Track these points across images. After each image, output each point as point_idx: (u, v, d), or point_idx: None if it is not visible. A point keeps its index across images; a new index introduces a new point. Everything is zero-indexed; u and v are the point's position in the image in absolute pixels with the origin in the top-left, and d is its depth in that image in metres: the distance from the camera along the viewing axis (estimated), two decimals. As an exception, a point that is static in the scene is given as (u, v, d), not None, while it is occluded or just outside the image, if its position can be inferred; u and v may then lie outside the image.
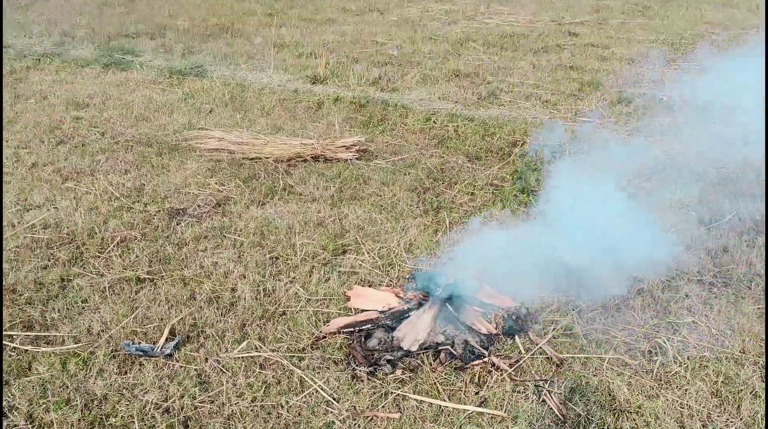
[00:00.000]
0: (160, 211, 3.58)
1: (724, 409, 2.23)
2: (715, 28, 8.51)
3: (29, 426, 2.15)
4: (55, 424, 2.15)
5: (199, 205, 3.66)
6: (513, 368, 2.42)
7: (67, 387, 2.31)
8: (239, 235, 3.34)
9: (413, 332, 2.59)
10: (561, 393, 2.30)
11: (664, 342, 2.54)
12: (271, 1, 10.18)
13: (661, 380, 2.36)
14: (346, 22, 8.94)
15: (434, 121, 4.93)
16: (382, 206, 3.67)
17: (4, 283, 2.90)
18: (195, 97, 5.44)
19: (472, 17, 9.29)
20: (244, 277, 2.98)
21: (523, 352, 2.51)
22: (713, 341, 2.55)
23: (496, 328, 2.62)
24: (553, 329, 2.61)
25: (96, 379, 2.36)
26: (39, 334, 2.61)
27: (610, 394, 2.30)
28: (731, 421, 2.19)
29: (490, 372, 2.41)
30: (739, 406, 2.24)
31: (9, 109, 5.04)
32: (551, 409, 2.23)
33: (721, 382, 2.33)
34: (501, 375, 2.39)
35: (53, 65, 6.22)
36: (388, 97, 5.56)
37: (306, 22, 8.86)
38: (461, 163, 4.25)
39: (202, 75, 6.10)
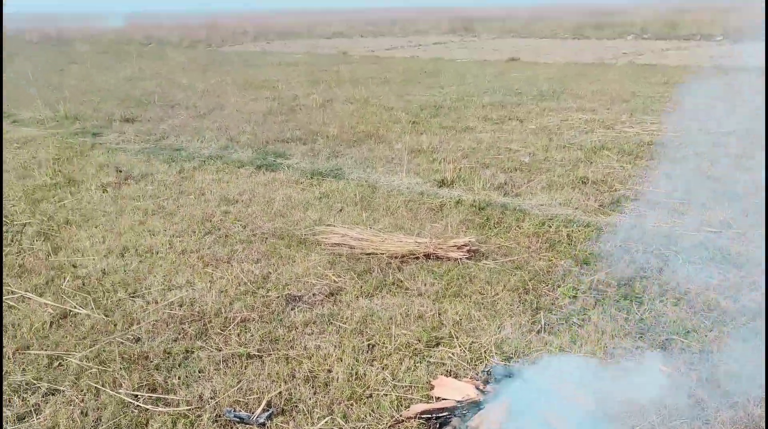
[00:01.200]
0: (279, 297, 3.97)
1: None
2: None
3: (136, 472, 2.49)
4: (155, 473, 2.47)
5: (314, 294, 4.02)
6: (579, 469, 2.44)
7: (172, 443, 2.65)
8: (344, 323, 3.63)
9: (486, 424, 2.68)
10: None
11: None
12: (417, 110, 10.88)
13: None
14: (485, 130, 9.34)
15: (549, 226, 5.05)
16: (482, 304, 3.82)
17: (137, 350, 3.36)
18: (329, 196, 5.97)
19: (611, 126, 9.35)
20: (341, 360, 3.24)
21: (593, 454, 2.51)
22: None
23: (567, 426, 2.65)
24: (628, 435, 2.59)
25: (197, 438, 2.68)
26: (160, 396, 3.01)
27: None
28: None
29: (555, 470, 2.44)
30: None
31: (173, 202, 5.83)
32: None
33: None
34: (566, 474, 2.41)
35: (215, 166, 7.09)
36: (509, 202, 5.76)
37: (446, 129, 9.37)
38: (568, 266, 4.31)
39: (340, 177, 6.67)
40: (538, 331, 3.49)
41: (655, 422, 2.68)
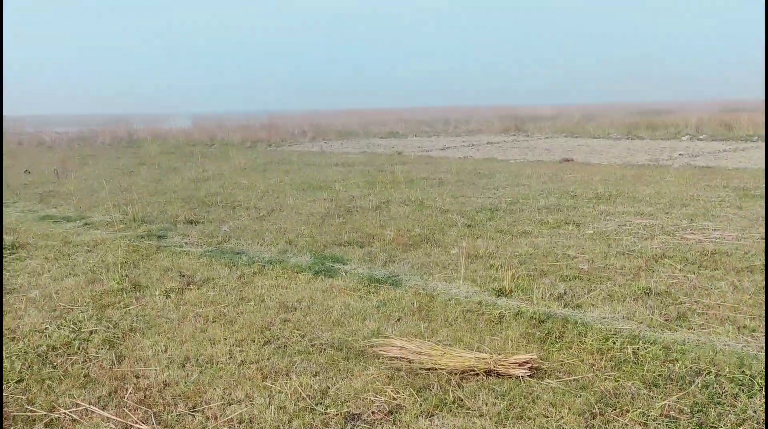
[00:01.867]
0: (338, 414, 3.92)
1: None
2: None
3: None
4: None
5: (373, 412, 3.96)
6: None
7: None
8: (404, 446, 3.55)
9: None
10: None
11: None
12: (472, 213, 10.95)
13: None
14: (541, 234, 9.30)
15: (613, 342, 4.91)
16: (546, 428, 3.69)
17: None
18: (387, 305, 5.97)
19: (671, 233, 9.19)
20: (401, 490, 3.14)
21: None
22: None
23: None
24: None
25: None
26: None
27: None
28: None
29: None
30: None
31: (232, 309, 5.92)
32: None
33: None
34: None
35: (274, 271, 7.21)
36: (569, 313, 5.65)
37: (502, 233, 9.37)
38: (636, 389, 4.15)
39: (397, 284, 6.68)
40: (608, 463, 3.33)
41: None
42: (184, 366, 4.67)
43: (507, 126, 40.58)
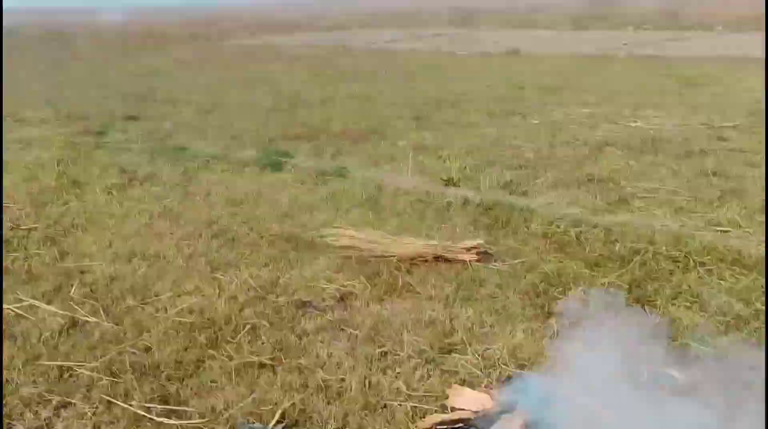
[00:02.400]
0: (288, 302, 3.95)
1: None
2: None
3: (152, 488, 2.48)
4: (172, 489, 2.46)
5: (323, 299, 4.01)
6: (598, 482, 2.42)
7: (188, 457, 2.64)
8: (355, 329, 3.61)
9: (503, 436, 2.67)
10: None
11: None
12: (419, 106, 10.84)
13: None
14: (488, 125, 9.31)
15: (557, 226, 5.03)
16: (494, 309, 3.81)
17: (148, 360, 3.35)
18: (336, 197, 5.94)
19: (615, 121, 9.31)
20: (354, 369, 3.22)
21: (611, 466, 2.50)
22: None
23: (588, 441, 2.64)
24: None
25: (212, 452, 2.67)
26: (172, 408, 2.99)
27: None
28: None
29: (574, 483, 2.43)
30: None
31: (178, 204, 5.80)
32: None
33: None
34: (585, 488, 2.40)
35: (219, 166, 7.06)
36: (516, 201, 5.73)
37: (449, 125, 9.34)
38: (579, 269, 4.29)
39: (345, 176, 6.64)
40: (551, 337, 3.47)
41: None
42: (130, 261, 4.60)
43: (454, 18, 39.75)
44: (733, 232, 4.92)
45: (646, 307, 3.74)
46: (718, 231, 4.93)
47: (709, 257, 4.37)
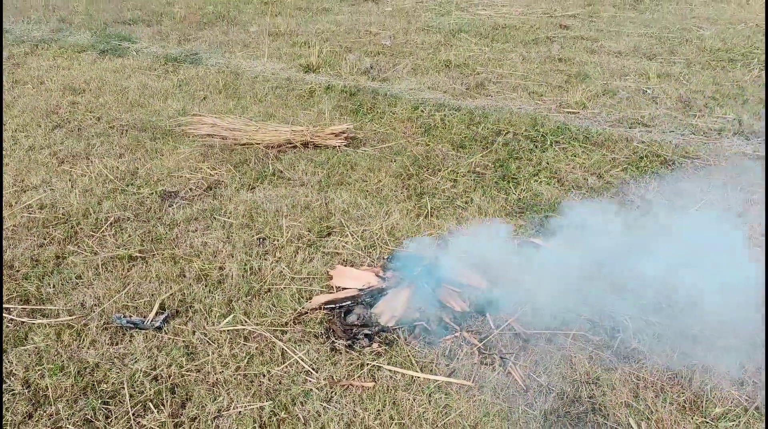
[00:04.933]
0: (152, 193, 3.71)
1: (677, 381, 2.38)
2: (702, 22, 8.62)
3: (26, 391, 2.30)
4: (49, 389, 2.29)
5: (190, 189, 3.80)
6: (482, 343, 2.57)
7: (62, 356, 2.46)
8: (228, 217, 3.48)
9: (390, 309, 2.73)
10: (525, 365, 2.45)
11: (626, 321, 2.69)
12: (268, -10, 10.26)
13: (619, 355, 2.51)
14: (342, 11, 9.05)
15: (422, 111, 5.07)
16: (367, 191, 3.81)
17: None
18: (189, 84, 5.56)
19: (465, 9, 9.39)
20: (232, 257, 3.12)
21: (493, 328, 2.66)
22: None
23: (468, 307, 2.77)
24: (522, 308, 2.75)
25: (89, 348, 2.50)
26: (35, 307, 2.75)
27: (571, 367, 2.45)
28: (682, 393, 2.34)
29: (460, 346, 2.55)
30: (690, 379, 2.39)
31: (7, 93, 5.16)
32: (515, 379, 2.39)
33: (676, 356, 2.48)
34: (471, 349, 2.54)
35: (50, 51, 6.33)
36: (378, 87, 5.68)
37: (301, 11, 8.96)
38: (446, 151, 4.38)
39: (197, 62, 6.22)
40: (426, 216, 3.55)
41: (544, 298, 2.85)
42: (-42, 155, 4.07)
43: None
44: (581, 113, 5.22)
45: (510, 184, 3.91)
46: (568, 112, 5.20)
47: (562, 136, 4.62)
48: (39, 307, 2.75)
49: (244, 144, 4.37)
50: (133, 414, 2.22)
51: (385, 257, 3.14)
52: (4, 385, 2.32)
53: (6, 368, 2.40)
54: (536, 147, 4.44)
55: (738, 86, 5.87)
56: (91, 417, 2.20)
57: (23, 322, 2.65)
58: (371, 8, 9.32)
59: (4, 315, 2.68)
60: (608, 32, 8.16)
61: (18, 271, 2.97)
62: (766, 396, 2.32)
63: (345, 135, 4.47)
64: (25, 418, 2.19)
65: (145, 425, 2.18)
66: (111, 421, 2.20)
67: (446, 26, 8.17)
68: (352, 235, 3.34)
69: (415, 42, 7.37)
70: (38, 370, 2.38)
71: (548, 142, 4.51)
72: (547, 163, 4.20)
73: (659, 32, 8.18)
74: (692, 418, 2.23)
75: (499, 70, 6.35)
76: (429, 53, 6.89)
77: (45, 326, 2.62)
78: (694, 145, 4.54)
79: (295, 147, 4.37)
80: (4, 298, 2.78)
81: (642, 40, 7.76)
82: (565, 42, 7.58)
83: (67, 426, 2.16)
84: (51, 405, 2.24)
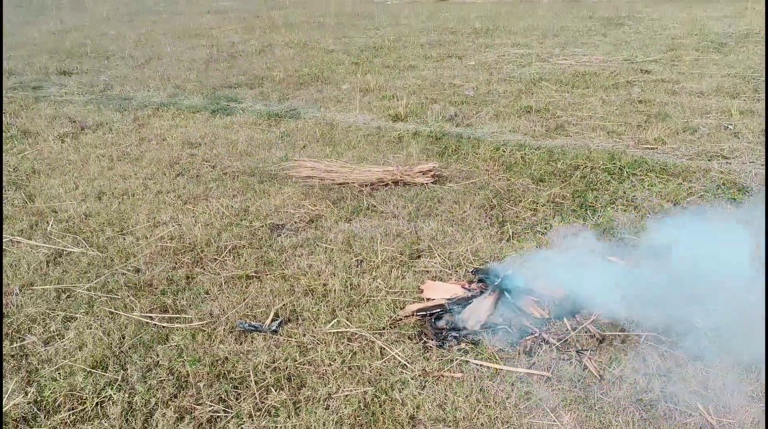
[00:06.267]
0: (263, 226, 4.21)
1: (744, 375, 2.57)
2: (789, 60, 8.61)
3: (171, 377, 2.75)
4: (190, 375, 2.74)
5: (295, 222, 4.28)
6: (559, 342, 2.84)
7: (197, 351, 2.91)
8: (329, 244, 3.92)
9: (476, 315, 3.05)
10: (600, 360, 2.70)
11: (697, 323, 2.89)
12: (358, 52, 11.01)
13: (690, 353, 2.72)
14: (427, 67, 9.61)
15: (503, 151, 5.42)
16: (453, 221, 4.18)
17: (141, 279, 3.57)
18: (290, 135, 6.16)
19: (546, 59, 9.76)
20: (334, 275, 3.54)
21: (570, 330, 2.92)
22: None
23: (548, 313, 3.05)
24: (597, 313, 3.01)
25: (219, 346, 2.95)
26: (172, 316, 3.24)
27: (644, 362, 2.68)
28: (748, 384, 2.52)
29: (540, 345, 2.84)
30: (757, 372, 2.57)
31: (135, 148, 5.90)
32: (590, 371, 2.64)
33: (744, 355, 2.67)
34: (549, 347, 2.81)
35: (169, 113, 7.13)
36: (462, 131, 6.10)
37: (389, 69, 9.58)
38: (526, 184, 4.70)
39: (296, 117, 6.85)
40: (507, 240, 3.87)
41: (618, 306, 3.10)
42: (100, 199, 4.74)
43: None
44: (659, 148, 5.43)
45: (588, 211, 4.18)
46: (646, 148, 5.42)
47: (639, 169, 4.85)
48: (175, 315, 3.24)
49: (341, 184, 4.84)
50: (259, 395, 2.63)
51: (470, 271, 3.47)
52: (152, 372, 2.79)
53: (153, 360, 2.87)
54: (613, 178, 4.69)
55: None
56: (225, 397, 2.63)
57: (164, 326, 3.14)
58: (455, 63, 9.84)
59: (149, 321, 3.18)
60: (690, 74, 8.31)
61: (156, 288, 3.49)
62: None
63: (432, 173, 4.88)
64: (171, 397, 2.64)
65: (269, 403, 2.58)
66: (241, 400, 2.61)
67: (527, 76, 8.56)
68: (440, 257, 3.69)
69: (497, 91, 7.78)
70: (179, 360, 2.84)
71: (625, 174, 4.75)
72: (624, 193, 4.44)
73: (743, 72, 8.26)
74: (758, 405, 2.41)
75: (579, 113, 6.64)
76: (510, 101, 7.27)
77: (182, 330, 3.10)
78: (773, 173, 4.66)
79: (386, 185, 4.81)
80: (147, 310, 3.29)
81: (725, 80, 7.88)
82: (645, 85, 7.80)
83: (206, 402, 2.59)
84: (191, 387, 2.68)
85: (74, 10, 21.71)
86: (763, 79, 7.69)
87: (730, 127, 5.95)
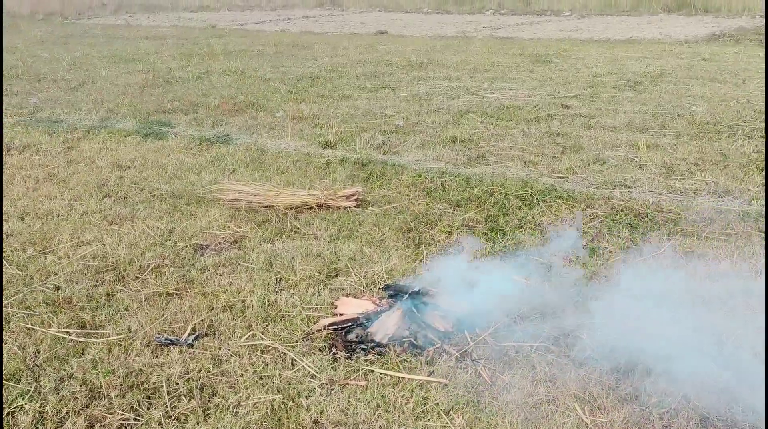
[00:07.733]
0: (187, 246, 4.33)
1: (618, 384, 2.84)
2: (696, 100, 9.25)
3: (83, 388, 2.83)
4: (103, 386, 2.83)
5: (219, 242, 4.41)
6: (459, 352, 3.06)
7: (112, 364, 3.01)
8: (251, 264, 4.06)
9: (384, 328, 3.24)
10: (494, 368, 2.93)
11: (582, 336, 3.16)
12: (294, 81, 11.23)
13: (575, 361, 2.98)
14: (360, 98, 9.88)
15: (425, 177, 5.68)
16: (371, 242, 4.38)
17: (60, 296, 3.63)
18: (221, 159, 6.29)
19: (474, 93, 10.19)
20: (253, 292, 3.68)
21: (469, 341, 3.15)
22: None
23: (451, 327, 3.27)
24: (495, 325, 3.25)
25: (134, 358, 3.05)
26: (89, 331, 3.32)
27: (533, 369, 2.92)
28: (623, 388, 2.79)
29: (440, 355, 3.05)
30: (631, 376, 2.83)
31: (63, 169, 5.93)
32: (484, 378, 2.86)
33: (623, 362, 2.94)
34: (449, 357, 3.03)
35: (100, 136, 7.16)
36: (388, 159, 6.35)
37: (324, 98, 9.82)
38: (443, 209, 4.96)
39: (228, 142, 6.98)
40: (421, 260, 4.09)
41: (514, 320, 3.35)
42: (23, 219, 4.76)
43: (322, 0, 39.99)
44: (570, 177, 5.79)
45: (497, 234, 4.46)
46: (557, 177, 5.78)
47: (549, 196, 5.18)
48: (93, 331, 3.32)
49: (267, 206, 5.00)
50: (170, 403, 2.74)
51: (381, 287, 3.67)
52: (65, 383, 2.86)
53: (67, 372, 2.95)
54: (524, 205, 5.00)
55: (721, 154, 6.41)
56: (136, 406, 2.73)
57: (80, 340, 3.22)
58: (388, 94, 10.15)
59: (65, 336, 3.25)
60: (606, 110, 8.82)
61: (76, 304, 3.56)
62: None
63: (355, 197, 5.09)
64: (83, 407, 2.72)
65: (180, 411, 2.69)
66: (152, 409, 2.72)
67: (455, 108, 8.92)
68: (356, 275, 3.88)
69: (426, 122, 8.09)
70: (94, 372, 2.93)
71: (535, 201, 5.06)
72: (533, 218, 4.75)
73: (654, 109, 8.82)
74: (630, 406, 2.67)
75: (500, 144, 6.99)
76: (437, 131, 7.58)
77: (98, 344, 3.18)
78: (668, 202, 5.06)
79: (311, 208, 4.98)
80: (65, 325, 3.36)
81: (637, 116, 8.40)
82: (564, 119, 8.25)
83: (117, 411, 2.69)
84: (104, 397, 2.77)
85: (7, 32, 21.28)
86: (671, 115, 8.25)
87: (636, 159, 6.38)
